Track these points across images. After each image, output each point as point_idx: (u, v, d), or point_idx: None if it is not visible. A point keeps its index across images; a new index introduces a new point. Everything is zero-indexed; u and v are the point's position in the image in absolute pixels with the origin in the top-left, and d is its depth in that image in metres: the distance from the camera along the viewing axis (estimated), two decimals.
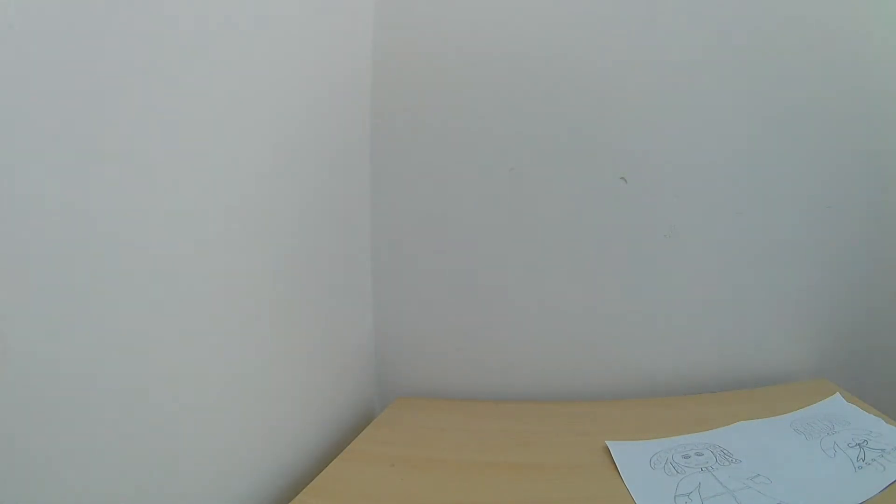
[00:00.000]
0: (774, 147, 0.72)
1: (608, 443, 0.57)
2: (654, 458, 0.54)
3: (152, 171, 0.41)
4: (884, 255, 0.73)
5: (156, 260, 0.41)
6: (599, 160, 0.73)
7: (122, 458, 0.38)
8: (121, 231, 0.38)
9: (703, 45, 0.71)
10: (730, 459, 0.52)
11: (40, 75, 0.32)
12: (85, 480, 0.35)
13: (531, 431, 0.64)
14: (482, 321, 0.77)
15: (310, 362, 0.64)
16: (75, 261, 0.35)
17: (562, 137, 0.74)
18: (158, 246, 0.41)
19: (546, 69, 0.73)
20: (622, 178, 0.73)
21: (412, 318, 0.79)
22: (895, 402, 0.65)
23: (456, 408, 0.72)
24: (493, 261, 0.76)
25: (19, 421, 0.31)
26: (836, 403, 0.61)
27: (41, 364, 0.32)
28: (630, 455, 0.55)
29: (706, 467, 0.51)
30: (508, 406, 0.72)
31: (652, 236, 0.73)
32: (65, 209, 0.34)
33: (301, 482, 0.55)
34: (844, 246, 0.73)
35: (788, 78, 0.71)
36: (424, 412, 0.71)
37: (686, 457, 0.53)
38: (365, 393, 0.78)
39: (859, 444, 0.51)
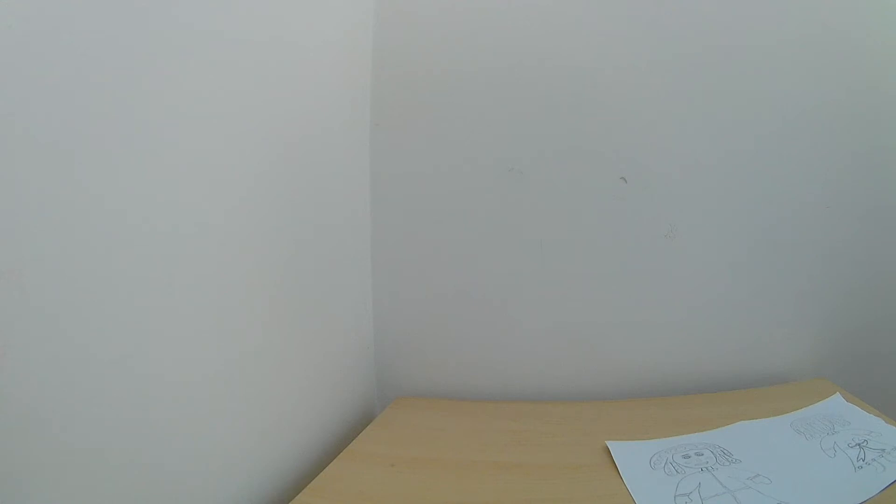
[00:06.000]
0: (774, 147, 0.72)
1: (608, 443, 0.57)
2: (654, 458, 0.54)
3: (153, 172, 0.41)
4: (883, 255, 0.73)
5: (155, 260, 0.41)
6: (599, 160, 0.73)
7: (122, 459, 0.38)
8: (120, 230, 0.38)
9: (703, 46, 0.71)
10: (730, 459, 0.52)
11: (40, 75, 0.32)
12: (83, 481, 0.35)
13: (531, 431, 0.64)
14: (482, 321, 0.77)
15: (310, 362, 0.64)
16: (74, 260, 0.35)
17: (561, 137, 0.74)
18: (158, 246, 0.41)
19: (546, 69, 0.73)
20: (622, 178, 0.73)
21: (412, 318, 0.79)
22: (895, 402, 0.65)
23: (456, 408, 0.72)
24: (492, 261, 0.76)
25: (18, 421, 0.31)
26: (836, 403, 0.61)
27: (38, 364, 0.32)
28: (630, 455, 0.55)
29: (706, 467, 0.51)
30: (508, 406, 0.72)
31: (652, 236, 0.73)
32: (64, 209, 0.34)
33: (301, 482, 0.55)
34: (844, 246, 0.73)
35: (788, 78, 0.71)
36: (424, 412, 0.71)
37: (686, 457, 0.53)
38: (365, 393, 0.78)
39: (859, 445, 0.51)
